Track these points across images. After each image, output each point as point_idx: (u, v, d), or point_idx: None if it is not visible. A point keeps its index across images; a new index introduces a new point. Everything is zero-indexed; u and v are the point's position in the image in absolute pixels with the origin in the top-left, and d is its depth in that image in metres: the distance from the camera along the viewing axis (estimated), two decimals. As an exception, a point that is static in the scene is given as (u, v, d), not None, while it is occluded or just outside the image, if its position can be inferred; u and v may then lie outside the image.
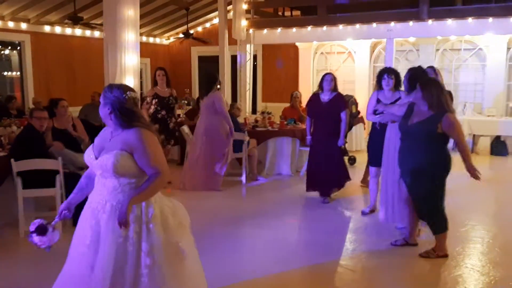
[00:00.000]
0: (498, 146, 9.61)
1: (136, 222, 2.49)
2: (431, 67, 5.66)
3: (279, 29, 9.71)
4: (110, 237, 2.46)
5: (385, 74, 5.26)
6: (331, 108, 5.90)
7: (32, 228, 2.57)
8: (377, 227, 5.07)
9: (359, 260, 4.28)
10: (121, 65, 6.18)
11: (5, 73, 10.89)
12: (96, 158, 2.54)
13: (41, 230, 2.56)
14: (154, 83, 7.00)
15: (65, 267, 2.63)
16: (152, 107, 6.82)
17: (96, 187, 2.60)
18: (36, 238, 2.56)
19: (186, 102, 12.14)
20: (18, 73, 10.25)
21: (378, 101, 5.23)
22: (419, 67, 5.00)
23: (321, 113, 6.00)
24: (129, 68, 6.29)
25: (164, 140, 6.88)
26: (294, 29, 9.58)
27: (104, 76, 6.10)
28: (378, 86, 5.35)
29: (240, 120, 7.92)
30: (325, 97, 5.97)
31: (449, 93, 5.43)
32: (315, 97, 6.12)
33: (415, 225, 4.48)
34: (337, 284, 3.85)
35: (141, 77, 13.49)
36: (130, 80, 5.97)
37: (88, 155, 2.61)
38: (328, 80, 5.93)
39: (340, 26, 9.06)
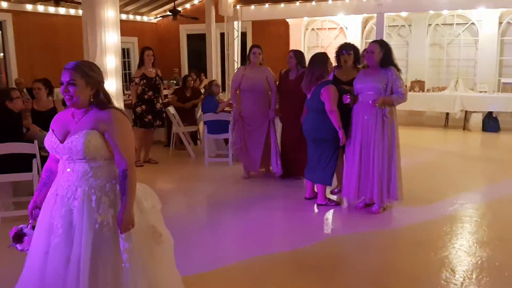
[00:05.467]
0: (490, 122, 9.52)
1: (112, 207, 2.38)
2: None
3: (266, 5, 9.48)
4: (86, 224, 2.34)
5: (344, 50, 5.10)
6: (298, 86, 5.34)
7: (11, 235, 2.53)
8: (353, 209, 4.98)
9: (338, 244, 4.21)
10: (101, 43, 5.96)
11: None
12: (61, 142, 2.40)
13: (17, 238, 2.50)
14: (140, 63, 6.87)
15: (30, 263, 2.46)
16: (140, 88, 6.78)
17: (61, 174, 2.45)
18: (18, 246, 2.52)
19: (174, 82, 11.90)
20: (1, 54, 10.00)
21: (335, 78, 5.09)
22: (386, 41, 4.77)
23: (288, 91, 5.77)
24: (109, 46, 6.07)
25: (151, 121, 6.91)
26: (282, 5, 9.36)
27: (84, 56, 5.88)
28: (337, 62, 5.19)
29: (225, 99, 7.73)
30: (292, 74, 5.79)
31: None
32: (285, 74, 5.93)
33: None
34: (319, 268, 3.76)
35: (128, 57, 13.22)
36: (111, 59, 5.77)
37: (50, 141, 2.44)
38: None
39: (330, 1, 8.85)
